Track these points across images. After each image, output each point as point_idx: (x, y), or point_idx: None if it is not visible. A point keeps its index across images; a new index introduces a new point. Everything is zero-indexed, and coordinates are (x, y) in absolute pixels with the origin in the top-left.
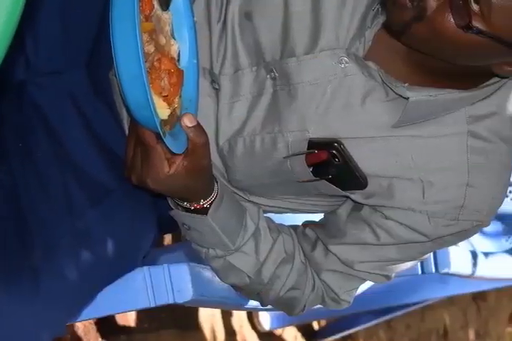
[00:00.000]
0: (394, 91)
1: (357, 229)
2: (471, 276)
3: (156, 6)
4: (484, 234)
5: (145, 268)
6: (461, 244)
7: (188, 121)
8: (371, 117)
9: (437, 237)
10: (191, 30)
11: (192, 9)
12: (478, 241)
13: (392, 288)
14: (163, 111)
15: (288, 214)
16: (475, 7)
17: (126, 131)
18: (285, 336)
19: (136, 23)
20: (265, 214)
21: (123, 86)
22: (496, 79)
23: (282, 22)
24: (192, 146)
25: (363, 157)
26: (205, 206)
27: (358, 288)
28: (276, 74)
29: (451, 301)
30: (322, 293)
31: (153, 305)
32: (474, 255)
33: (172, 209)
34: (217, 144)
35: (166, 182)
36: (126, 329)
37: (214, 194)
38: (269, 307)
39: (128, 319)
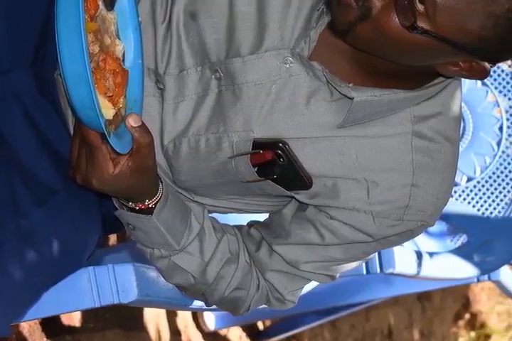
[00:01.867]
0: (339, 92)
1: (302, 229)
2: (415, 276)
3: (101, 6)
4: (429, 234)
5: (90, 268)
6: (406, 244)
7: (132, 121)
8: (316, 117)
9: (382, 237)
10: (136, 30)
11: (137, 9)
12: (423, 241)
13: (336, 288)
14: (108, 111)
15: (233, 214)
16: (420, 7)
17: (72, 131)
18: (230, 336)
19: (80, 23)
20: (210, 214)
21: (68, 86)
22: (441, 79)
23: (227, 22)
24: (137, 146)
25: (308, 157)
26: (150, 206)
27: (302, 288)
28: (221, 75)
29: (395, 301)
30: (267, 293)
31: (98, 305)
32: (419, 255)
33: (117, 209)
34: (162, 144)
35: (111, 183)
36: (71, 329)
37: (159, 194)
38: (213, 307)
39: (73, 319)
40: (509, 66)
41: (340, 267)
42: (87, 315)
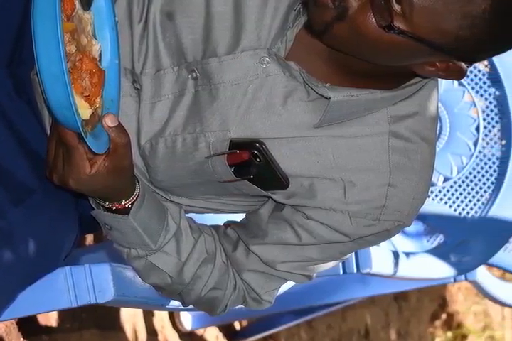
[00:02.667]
0: (315, 92)
1: (278, 229)
2: (392, 276)
3: (78, 5)
4: (406, 234)
5: (67, 268)
6: (383, 244)
7: (109, 121)
8: (293, 117)
9: (359, 237)
10: (113, 30)
11: (114, 9)
12: (400, 242)
13: (313, 288)
14: (84, 111)
15: (209, 214)
16: (397, 7)
17: (48, 131)
18: (206, 336)
19: (57, 23)
20: (187, 214)
21: (44, 86)
22: (418, 79)
23: (204, 22)
24: (113, 146)
25: (285, 157)
26: (126, 206)
27: (279, 288)
28: (198, 75)
29: (372, 301)
30: (243, 293)
31: (74, 305)
32: (396, 255)
33: (94, 209)
34: (138, 144)
35: (88, 182)
36: (48, 329)
37: (135, 194)
38: (190, 307)
39: (50, 319)
40: (486, 66)
41: (316, 267)
42: (64, 315)
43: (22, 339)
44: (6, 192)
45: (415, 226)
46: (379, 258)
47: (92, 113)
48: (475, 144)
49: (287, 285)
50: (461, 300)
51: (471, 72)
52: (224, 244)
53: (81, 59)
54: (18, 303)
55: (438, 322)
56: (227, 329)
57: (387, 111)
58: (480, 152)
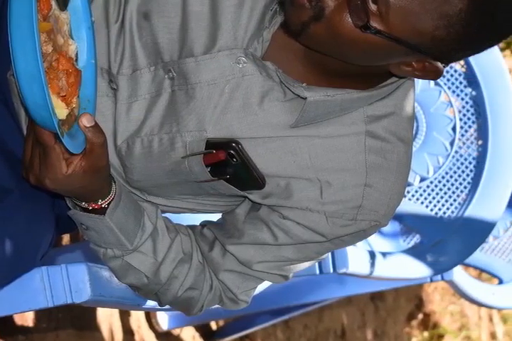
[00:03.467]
0: (292, 91)
1: (255, 229)
2: (368, 276)
3: (54, 5)
4: (382, 234)
5: (43, 268)
6: (359, 244)
7: (86, 121)
8: (269, 117)
9: (335, 237)
10: (89, 30)
11: (90, 9)
12: (376, 241)
13: (290, 287)
14: (61, 111)
15: (186, 214)
16: (373, 7)
17: (25, 131)
18: (183, 336)
19: (33, 23)
20: (163, 214)
21: (21, 86)
22: (394, 79)
23: (180, 22)
24: (90, 146)
25: (261, 157)
26: (103, 206)
27: (255, 288)
28: (174, 74)
29: (349, 301)
30: (220, 293)
31: (51, 305)
32: (372, 255)
33: (70, 209)
34: (115, 144)
35: (64, 183)
36: (24, 329)
37: (112, 194)
38: (167, 307)
39: (26, 319)
40: (462, 66)
41: (293, 267)
42: (40, 315)
43: None
44: None
45: (392, 226)
46: (355, 258)
47: (69, 113)
48: (451, 144)
49: (264, 285)
50: (437, 300)
51: (448, 72)
52: (200, 244)
53: (57, 59)
54: None
55: (414, 322)
56: (203, 329)
57: (363, 111)
58: (456, 152)
